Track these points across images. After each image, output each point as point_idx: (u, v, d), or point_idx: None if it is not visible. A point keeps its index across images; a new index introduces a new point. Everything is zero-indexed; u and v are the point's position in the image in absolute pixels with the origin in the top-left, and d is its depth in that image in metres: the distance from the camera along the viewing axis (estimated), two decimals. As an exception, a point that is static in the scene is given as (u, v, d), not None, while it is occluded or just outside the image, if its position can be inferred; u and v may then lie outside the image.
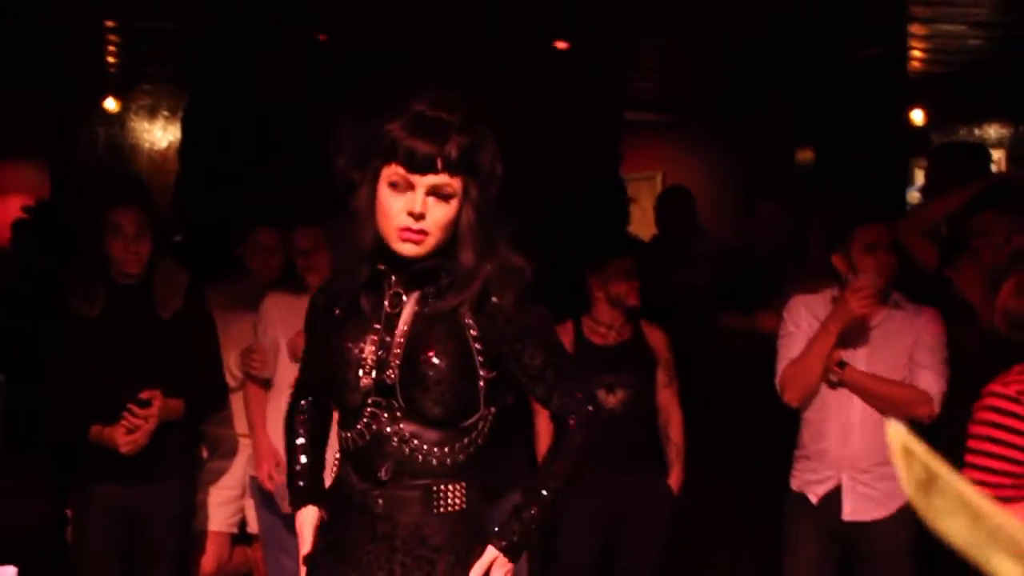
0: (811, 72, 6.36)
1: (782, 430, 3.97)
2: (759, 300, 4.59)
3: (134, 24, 6.12)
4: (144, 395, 3.62)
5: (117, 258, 3.64)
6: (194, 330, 3.82)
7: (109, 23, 6.13)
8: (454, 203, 2.11)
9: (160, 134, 8.32)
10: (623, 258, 4.42)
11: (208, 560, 4.20)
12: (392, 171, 2.09)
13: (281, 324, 4.02)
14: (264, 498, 4.04)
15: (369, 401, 2.16)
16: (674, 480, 4.24)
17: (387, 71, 5.29)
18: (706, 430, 4.50)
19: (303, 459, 2.37)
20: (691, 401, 4.38)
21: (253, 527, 4.26)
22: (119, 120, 8.35)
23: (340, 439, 2.24)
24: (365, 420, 2.17)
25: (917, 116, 7.78)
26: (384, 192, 2.11)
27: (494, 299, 2.16)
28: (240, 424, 4.21)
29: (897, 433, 0.58)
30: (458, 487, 2.19)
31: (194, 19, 5.57)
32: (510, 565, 2.23)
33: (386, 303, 2.19)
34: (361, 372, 2.16)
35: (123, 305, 3.68)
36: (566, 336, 4.24)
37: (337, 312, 2.23)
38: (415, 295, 2.19)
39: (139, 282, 3.70)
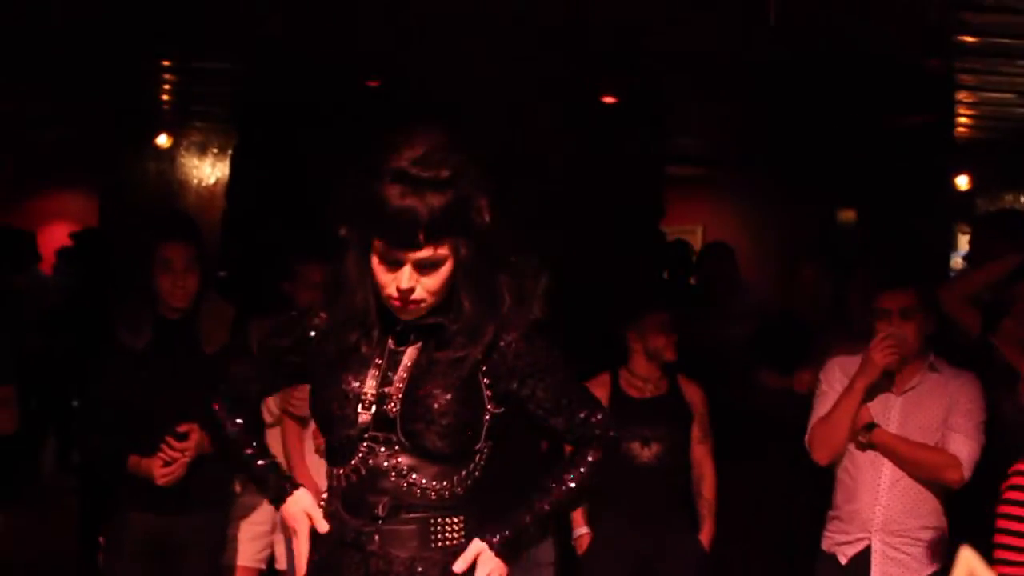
0: (857, 134, 6.38)
1: (815, 491, 3.95)
2: (798, 360, 4.58)
3: (189, 64, 6.25)
4: (182, 428, 3.65)
5: (164, 292, 3.69)
6: (235, 365, 3.86)
7: (165, 63, 6.26)
8: (444, 268, 2.07)
9: (209, 171, 8.45)
10: (661, 312, 4.44)
11: (236, 594, 4.22)
12: (378, 245, 2.05)
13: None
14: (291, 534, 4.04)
15: (366, 436, 2.12)
16: (705, 536, 4.22)
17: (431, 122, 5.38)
18: (738, 488, 4.48)
19: (255, 443, 2.32)
20: (725, 458, 4.37)
21: (281, 563, 4.27)
22: (169, 155, 8.50)
23: (329, 476, 2.19)
24: (361, 455, 2.12)
25: (962, 182, 7.76)
26: (374, 263, 2.08)
27: (502, 340, 2.14)
28: (274, 460, 4.24)
29: (966, 558, 0.59)
30: (456, 520, 2.16)
31: (247, 60, 5.69)
32: (496, 562, 2.19)
33: (390, 340, 2.15)
34: (360, 407, 2.12)
35: (168, 339, 3.73)
36: (602, 388, 4.26)
37: (333, 347, 2.18)
38: (421, 340, 2.16)
39: (185, 316, 3.75)
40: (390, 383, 2.12)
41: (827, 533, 3.69)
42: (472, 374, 2.13)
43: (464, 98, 5.11)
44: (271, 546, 4.29)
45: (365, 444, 2.11)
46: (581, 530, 4.19)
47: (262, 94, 5.87)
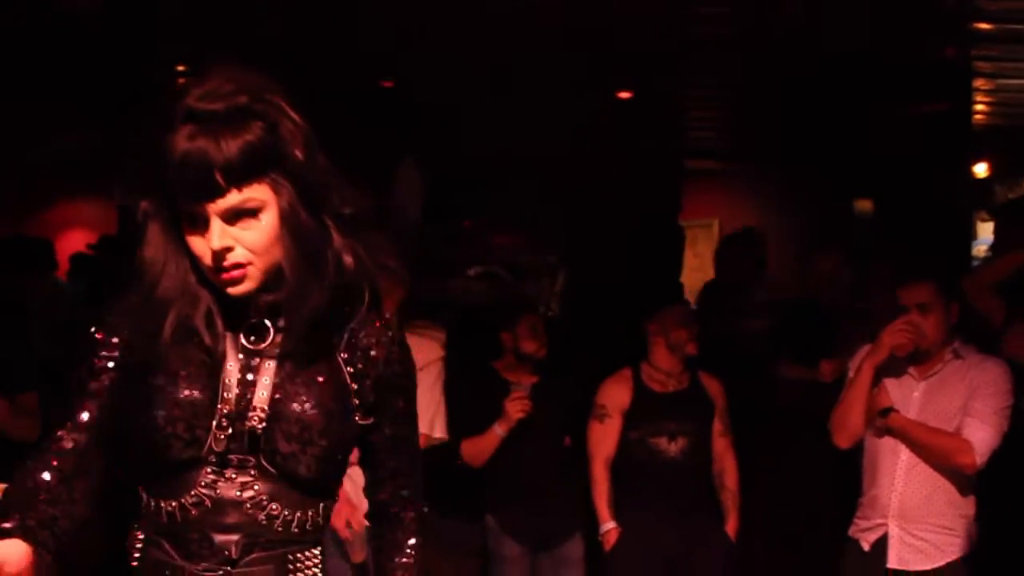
0: (873, 123, 6.35)
1: (840, 483, 3.94)
2: (820, 351, 4.57)
3: (202, 67, 6.25)
4: None
5: None
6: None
7: (180, 67, 6.28)
8: (266, 219, 1.65)
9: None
10: (681, 305, 4.45)
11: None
12: (184, 210, 1.65)
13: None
14: (335, 545, 4.05)
15: (212, 460, 1.69)
16: (731, 528, 4.24)
17: (450, 119, 5.39)
18: (763, 481, 4.47)
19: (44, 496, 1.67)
20: (748, 452, 4.37)
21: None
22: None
23: (150, 511, 1.72)
24: (204, 484, 1.69)
25: (980, 169, 7.72)
26: (188, 237, 1.67)
27: (371, 331, 1.77)
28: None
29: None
30: (314, 553, 1.75)
31: (257, 64, 5.69)
32: None
33: (241, 337, 1.71)
34: (212, 423, 1.67)
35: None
36: (624, 383, 4.26)
37: (145, 351, 1.71)
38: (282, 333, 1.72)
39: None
40: (248, 392, 1.69)
41: (854, 519, 3.70)
42: (341, 381, 1.75)
43: (478, 96, 5.12)
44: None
45: (210, 470, 1.69)
46: (608, 525, 4.19)
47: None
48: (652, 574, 4.17)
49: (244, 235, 1.64)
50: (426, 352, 4.15)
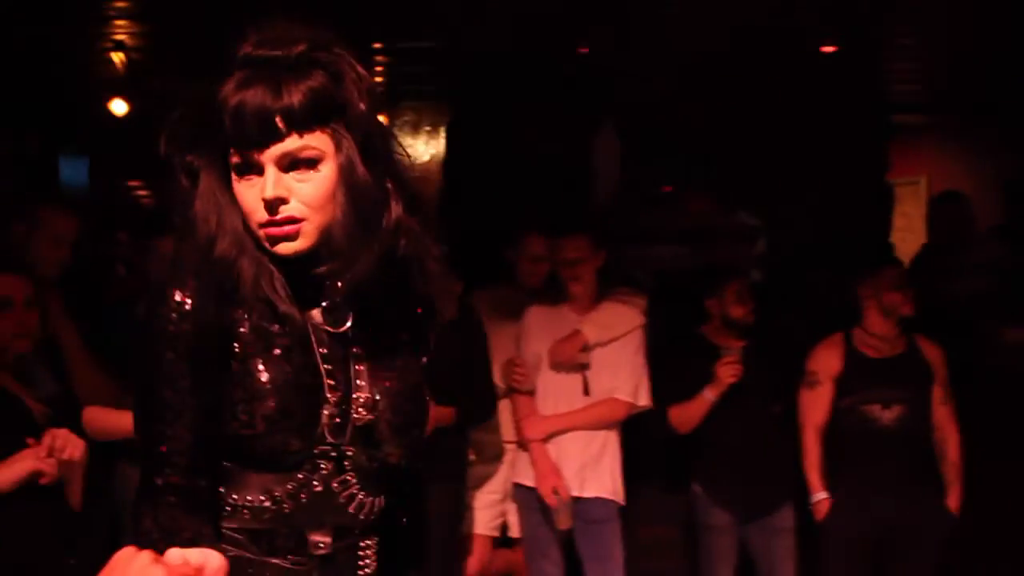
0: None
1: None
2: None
3: (398, 44, 6.38)
4: None
5: None
6: (466, 339, 3.93)
7: (376, 44, 6.42)
8: (326, 168, 1.53)
9: (423, 148, 8.65)
10: (895, 266, 4.27)
11: (473, 562, 4.31)
12: (235, 161, 1.54)
13: (542, 336, 4.08)
14: (541, 512, 4.09)
15: (313, 453, 1.59)
16: (952, 501, 4.04)
17: (647, 85, 5.31)
18: (987, 449, 4.25)
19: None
20: (970, 420, 4.15)
21: (514, 531, 4.33)
22: (385, 136, 8.73)
23: (231, 507, 1.60)
24: (300, 479, 1.59)
25: None
26: (237, 191, 1.55)
27: (425, 307, 1.69)
28: (506, 430, 4.30)
29: None
30: (375, 540, 1.69)
31: (456, 36, 5.74)
32: None
33: (320, 320, 1.61)
34: (324, 418, 1.59)
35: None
36: (836, 349, 4.12)
37: (241, 331, 1.57)
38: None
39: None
40: (344, 381, 1.61)
41: None
42: (411, 356, 1.68)
43: (676, 55, 5.02)
44: (504, 514, 4.36)
45: (308, 464, 1.60)
46: (820, 495, 4.07)
47: (472, 68, 5.92)
48: (866, 547, 4.03)
49: (300, 187, 1.52)
50: (627, 319, 4.12)
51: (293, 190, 1.52)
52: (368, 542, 1.67)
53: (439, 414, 3.80)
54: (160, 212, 4.09)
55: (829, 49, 5.13)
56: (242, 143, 1.51)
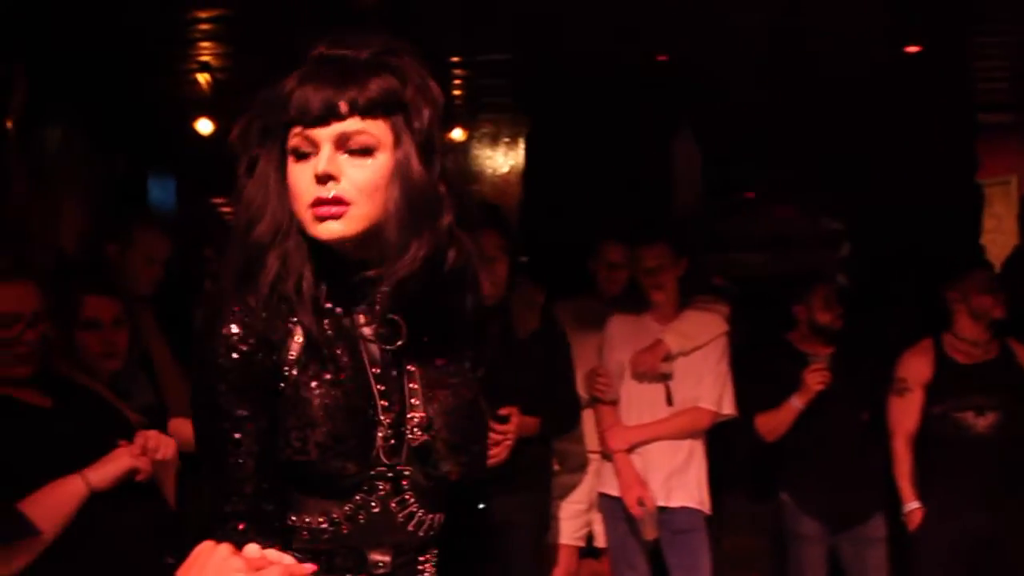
0: None
1: None
2: None
3: (476, 57, 6.42)
4: (503, 411, 3.75)
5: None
6: (549, 349, 3.93)
7: (454, 58, 6.47)
8: (381, 158, 1.53)
9: (502, 160, 8.68)
10: (985, 269, 4.17)
11: (558, 572, 4.30)
12: (292, 135, 1.55)
13: (624, 346, 4.07)
14: (627, 522, 4.08)
15: (370, 474, 1.58)
16: (1050, 510, 3.93)
17: (727, 90, 5.26)
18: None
19: None
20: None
21: (600, 541, 4.32)
22: (464, 148, 8.79)
23: (297, 530, 1.59)
24: (358, 500, 1.58)
25: None
26: (290, 168, 1.55)
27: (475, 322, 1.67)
28: (590, 440, 4.29)
29: None
30: (435, 553, 1.67)
31: (533, 47, 5.76)
32: None
33: (367, 332, 1.59)
34: (378, 439, 1.57)
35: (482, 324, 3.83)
36: (925, 355, 4.04)
37: (291, 356, 1.55)
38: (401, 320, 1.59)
39: (498, 302, 3.84)
40: (399, 399, 1.60)
41: None
42: (465, 369, 1.67)
43: (757, 60, 4.97)
44: (589, 524, 4.35)
45: (366, 485, 1.58)
46: (912, 505, 4.00)
47: (550, 78, 5.94)
48: (960, 558, 3.95)
49: (353, 171, 1.52)
50: (710, 327, 4.08)
51: (346, 172, 1.52)
52: (426, 557, 1.65)
53: (524, 424, 3.81)
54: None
55: (914, 49, 5.03)
56: (302, 120, 1.52)
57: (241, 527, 1.52)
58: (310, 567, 1.22)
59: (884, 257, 5.47)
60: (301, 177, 1.53)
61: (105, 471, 2.33)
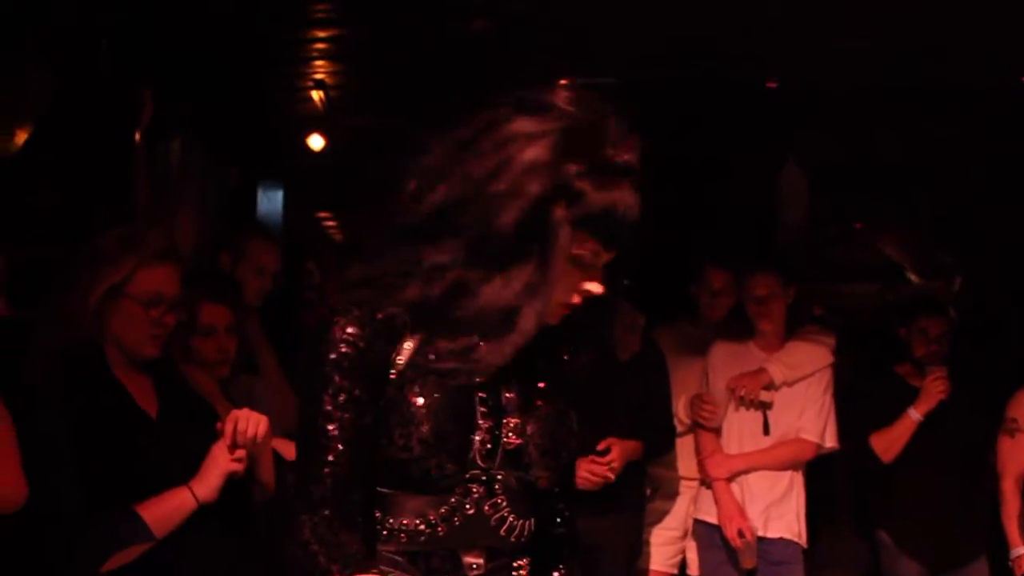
0: None
1: None
2: None
3: (580, 80, 6.43)
4: (601, 446, 3.75)
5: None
6: (648, 373, 3.92)
7: (561, 80, 6.50)
8: None
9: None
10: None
11: (650, 598, 4.27)
12: (581, 241, 1.59)
13: (728, 373, 4.04)
14: (709, 542, 4.04)
15: (466, 478, 1.65)
16: None
17: (836, 117, 5.18)
18: None
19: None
20: None
21: (693, 569, 4.28)
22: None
23: (394, 532, 1.65)
24: (453, 503, 1.65)
25: None
26: (565, 258, 1.60)
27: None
28: (684, 467, 4.26)
29: None
30: (527, 561, 1.72)
31: (639, 70, 5.77)
32: None
33: None
34: (476, 443, 1.64)
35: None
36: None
37: (400, 360, 1.64)
38: None
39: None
40: (498, 404, 1.67)
41: None
42: (557, 377, 1.74)
43: (866, 88, 4.88)
44: (683, 551, 4.31)
45: (461, 488, 1.65)
46: (1020, 550, 3.88)
47: (656, 102, 5.94)
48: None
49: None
50: (815, 358, 4.03)
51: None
52: (520, 563, 1.71)
53: (628, 448, 3.81)
54: (350, 244, 4.22)
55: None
56: (605, 246, 1.62)
57: (327, 513, 1.59)
58: None
59: (996, 292, 5.32)
60: (575, 277, 1.62)
61: (208, 483, 2.35)
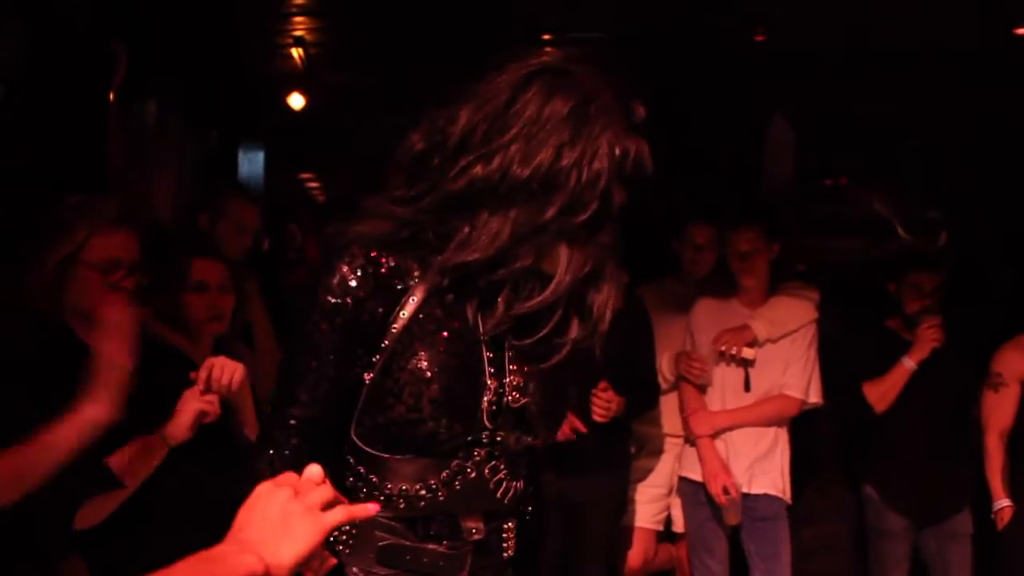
0: None
1: None
2: None
3: (568, 34, 6.36)
4: (601, 386, 3.75)
5: None
6: (632, 331, 3.90)
7: (546, 36, 6.42)
8: None
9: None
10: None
11: (635, 555, 4.28)
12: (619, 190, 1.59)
13: (712, 330, 4.01)
14: (694, 499, 4.05)
15: (468, 441, 1.63)
16: None
17: (828, 74, 5.13)
18: None
19: None
20: None
21: (678, 526, 4.29)
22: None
23: (393, 498, 1.63)
24: (455, 468, 1.63)
25: None
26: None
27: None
28: (668, 424, 4.25)
29: None
30: (514, 524, 1.73)
31: (627, 25, 5.70)
32: None
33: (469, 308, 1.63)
34: (484, 409, 1.62)
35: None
36: (1022, 351, 3.92)
37: (403, 314, 1.60)
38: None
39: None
40: (500, 368, 1.64)
41: None
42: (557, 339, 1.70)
43: (854, 44, 4.84)
44: (668, 508, 4.32)
45: (463, 452, 1.63)
46: (1003, 503, 3.88)
47: (642, 57, 5.88)
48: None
49: None
50: (799, 314, 4.01)
51: None
52: (510, 524, 1.71)
53: (618, 403, 3.79)
54: (330, 206, 4.18)
55: (1022, 31, 4.84)
56: (620, 190, 1.58)
57: (287, 453, 1.57)
58: (374, 506, 1.29)
59: (982, 247, 5.32)
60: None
61: (178, 423, 2.35)
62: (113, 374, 2.08)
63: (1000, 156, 5.42)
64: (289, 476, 1.23)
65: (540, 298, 1.55)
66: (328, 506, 1.21)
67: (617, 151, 1.55)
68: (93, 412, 2.07)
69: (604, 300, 1.63)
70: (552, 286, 1.55)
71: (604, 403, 3.73)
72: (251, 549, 1.13)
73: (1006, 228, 5.31)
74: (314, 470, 1.24)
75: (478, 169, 1.54)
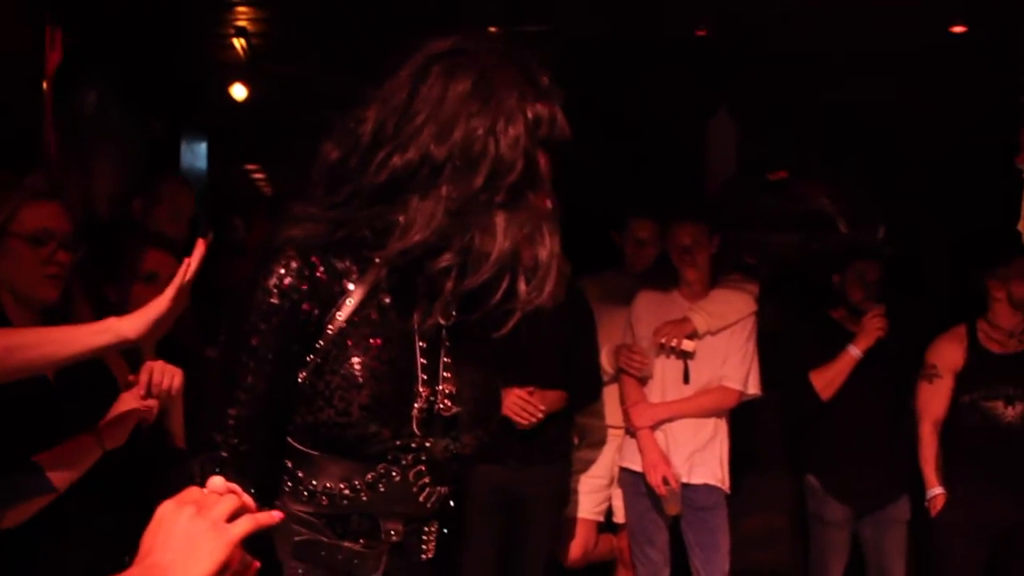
0: None
1: None
2: None
3: (513, 28, 6.35)
4: (527, 390, 3.75)
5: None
6: (574, 323, 3.91)
7: (491, 28, 6.41)
8: None
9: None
10: (1026, 257, 4.10)
11: (576, 546, 4.30)
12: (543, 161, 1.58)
13: (652, 322, 4.04)
14: (634, 489, 4.07)
15: (397, 445, 1.61)
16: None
17: (770, 69, 5.18)
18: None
19: None
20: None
21: (619, 517, 4.31)
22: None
23: (307, 492, 1.62)
24: (381, 470, 1.62)
25: None
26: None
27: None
28: (609, 415, 4.28)
29: None
30: (436, 527, 1.71)
31: (570, 19, 5.71)
32: None
33: (429, 313, 1.60)
34: (414, 413, 1.60)
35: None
36: (958, 343, 4.00)
37: (339, 316, 1.58)
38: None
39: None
40: (433, 372, 1.63)
41: None
42: (489, 345, 1.67)
43: (794, 41, 4.89)
44: (609, 499, 4.34)
45: (391, 456, 1.61)
46: (935, 490, 3.96)
47: (586, 51, 5.90)
48: (981, 546, 3.92)
49: None
50: (738, 307, 4.05)
51: None
52: (431, 528, 1.70)
53: (553, 398, 3.80)
54: (277, 198, 4.14)
55: (959, 30, 4.93)
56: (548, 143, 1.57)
57: (224, 456, 1.55)
58: (277, 513, 1.26)
59: (919, 241, 5.40)
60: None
61: (115, 429, 2.30)
62: (161, 306, 2.07)
63: (937, 151, 5.51)
64: (191, 492, 1.20)
65: (486, 266, 1.53)
66: (235, 515, 1.19)
67: (529, 114, 1.53)
68: (124, 326, 2.04)
69: (548, 255, 1.58)
70: (495, 253, 1.52)
71: (528, 408, 3.73)
72: (158, 575, 1.11)
73: (943, 223, 5.39)
74: (216, 481, 1.22)
75: (396, 159, 1.53)
